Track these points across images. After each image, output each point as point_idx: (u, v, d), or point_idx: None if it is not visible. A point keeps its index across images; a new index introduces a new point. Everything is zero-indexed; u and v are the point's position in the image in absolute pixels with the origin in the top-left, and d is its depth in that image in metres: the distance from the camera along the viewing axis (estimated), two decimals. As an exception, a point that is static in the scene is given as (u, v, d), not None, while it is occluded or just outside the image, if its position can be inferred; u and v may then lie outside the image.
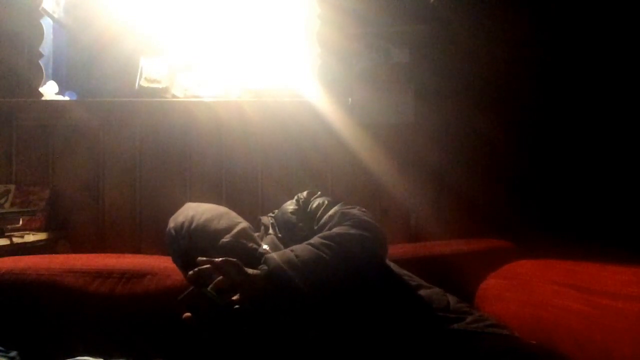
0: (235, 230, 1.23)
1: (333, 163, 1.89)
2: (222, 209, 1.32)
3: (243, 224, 1.29)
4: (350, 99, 1.88)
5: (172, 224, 1.25)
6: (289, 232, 1.29)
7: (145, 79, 1.98)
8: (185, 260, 1.21)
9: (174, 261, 1.26)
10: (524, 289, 1.30)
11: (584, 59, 1.93)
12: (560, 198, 1.90)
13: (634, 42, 1.90)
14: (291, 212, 1.33)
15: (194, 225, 1.21)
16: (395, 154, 1.89)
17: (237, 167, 1.87)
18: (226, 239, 1.20)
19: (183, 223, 1.22)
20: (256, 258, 1.18)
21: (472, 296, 1.45)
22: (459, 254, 1.55)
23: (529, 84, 1.93)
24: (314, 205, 1.33)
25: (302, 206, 1.34)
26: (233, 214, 1.32)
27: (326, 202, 1.32)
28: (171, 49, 2.11)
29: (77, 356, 1.06)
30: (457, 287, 1.41)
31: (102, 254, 1.60)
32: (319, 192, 1.39)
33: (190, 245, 1.19)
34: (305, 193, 1.38)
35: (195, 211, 1.26)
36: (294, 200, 1.37)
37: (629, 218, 1.84)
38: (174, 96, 1.98)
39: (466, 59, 1.92)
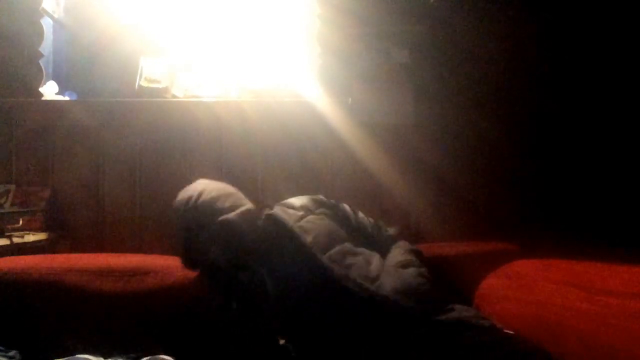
0: (239, 210, 1.29)
1: (333, 163, 1.89)
2: (231, 189, 1.38)
3: (248, 205, 1.34)
4: (350, 99, 1.88)
5: (180, 197, 1.32)
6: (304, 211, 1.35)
7: (145, 79, 1.98)
8: (186, 233, 1.28)
9: (177, 235, 1.32)
10: (525, 288, 1.30)
11: (584, 59, 1.93)
12: (561, 198, 1.90)
13: (634, 41, 1.90)
14: (310, 198, 1.40)
15: (200, 200, 1.28)
16: (395, 154, 1.89)
17: (237, 167, 1.87)
18: (228, 215, 1.26)
19: (190, 197, 1.29)
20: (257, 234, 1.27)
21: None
22: (462, 255, 1.55)
23: (529, 83, 1.93)
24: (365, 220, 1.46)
25: (326, 202, 1.42)
26: (241, 195, 1.38)
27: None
28: (171, 49, 2.11)
29: (78, 355, 1.06)
30: (461, 289, 1.42)
31: (103, 254, 1.60)
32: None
33: (193, 219, 1.26)
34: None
35: (205, 188, 1.32)
36: (306, 196, 1.43)
37: (631, 217, 1.84)
38: (174, 96, 1.98)
39: (466, 59, 1.92)
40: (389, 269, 1.26)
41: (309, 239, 1.23)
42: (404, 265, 1.28)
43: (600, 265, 1.26)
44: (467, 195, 1.90)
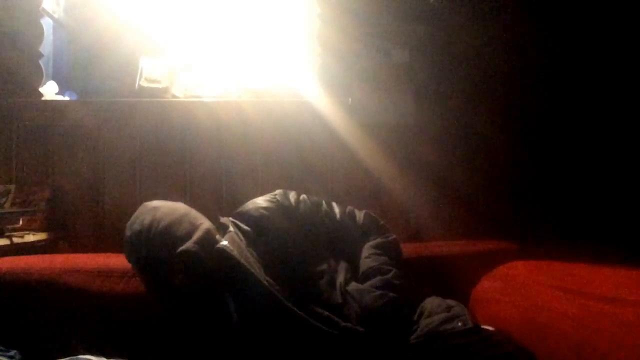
0: (196, 236, 1.21)
1: (333, 163, 1.89)
2: (181, 209, 1.27)
3: (205, 225, 1.26)
4: (350, 99, 1.88)
5: (128, 232, 1.22)
6: (261, 228, 1.29)
7: (145, 79, 1.98)
8: (142, 268, 1.21)
9: (133, 267, 1.25)
10: (518, 291, 1.30)
11: (584, 59, 1.93)
12: (561, 198, 1.90)
13: (635, 40, 1.90)
14: (264, 208, 1.33)
15: (152, 234, 1.17)
16: (395, 154, 1.89)
17: (237, 167, 1.87)
18: (186, 245, 1.18)
19: (140, 232, 1.18)
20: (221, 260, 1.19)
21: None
22: (461, 255, 1.55)
23: (529, 83, 1.93)
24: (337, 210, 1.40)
25: (285, 204, 1.35)
26: (193, 214, 1.28)
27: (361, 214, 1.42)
28: (171, 49, 2.11)
29: (78, 355, 1.06)
30: (459, 289, 1.42)
31: (103, 254, 1.60)
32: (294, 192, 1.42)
33: (149, 255, 1.17)
34: (279, 192, 1.40)
35: (153, 217, 1.21)
36: (265, 198, 1.37)
37: (630, 217, 1.84)
38: (174, 96, 1.98)
39: (466, 59, 1.92)
40: (353, 289, 1.22)
41: (264, 270, 1.18)
42: (370, 275, 1.25)
43: (593, 267, 1.26)
44: (467, 195, 1.90)
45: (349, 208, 1.44)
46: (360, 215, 1.43)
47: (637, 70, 1.90)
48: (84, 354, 1.06)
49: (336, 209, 1.42)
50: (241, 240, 1.27)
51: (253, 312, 1.16)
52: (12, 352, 1.15)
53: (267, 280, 1.17)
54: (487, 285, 1.43)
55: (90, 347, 1.10)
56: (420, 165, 1.90)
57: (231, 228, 1.30)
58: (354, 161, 1.87)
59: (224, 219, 1.36)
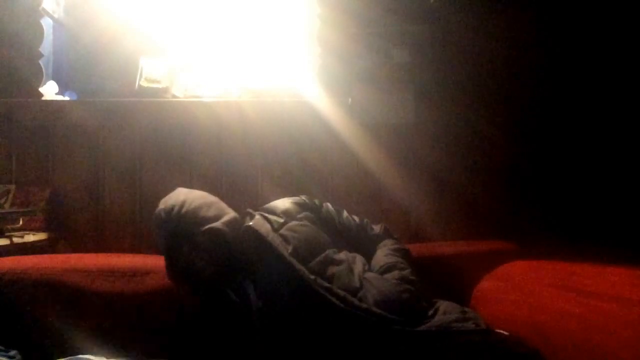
0: (224, 219, 1.29)
1: (333, 163, 1.89)
2: (212, 198, 1.37)
3: (233, 213, 1.34)
4: (350, 99, 1.88)
5: (162, 206, 1.29)
6: (287, 217, 1.34)
7: (145, 79, 1.98)
8: (169, 243, 1.26)
9: (158, 243, 1.30)
10: (519, 291, 1.30)
11: (584, 59, 1.93)
12: (561, 198, 1.90)
13: (634, 42, 1.90)
14: (290, 203, 1.39)
15: (184, 210, 1.26)
16: (395, 154, 1.89)
17: (237, 167, 1.87)
18: (214, 224, 1.26)
19: (173, 207, 1.26)
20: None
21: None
22: (461, 255, 1.55)
23: (529, 83, 1.93)
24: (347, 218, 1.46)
25: (309, 204, 1.43)
26: (223, 204, 1.37)
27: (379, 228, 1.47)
28: (171, 49, 2.11)
29: (78, 355, 1.06)
30: (459, 288, 1.42)
31: (103, 254, 1.60)
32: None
33: (177, 229, 1.24)
34: (303, 195, 1.46)
35: (187, 197, 1.30)
36: (291, 198, 1.43)
37: (629, 218, 1.84)
38: (174, 96, 1.99)
39: (466, 59, 1.92)
40: (372, 276, 1.25)
41: (289, 249, 1.22)
42: (387, 269, 1.28)
43: (594, 267, 1.26)
44: (466, 195, 1.90)
45: (366, 220, 1.51)
46: (377, 226, 1.50)
47: (638, 70, 1.90)
48: (84, 354, 1.06)
49: (356, 218, 1.49)
50: (269, 224, 1.31)
51: (276, 292, 1.19)
52: (12, 352, 1.16)
53: (291, 259, 1.21)
54: (488, 285, 1.43)
55: (90, 347, 1.10)
56: (420, 165, 1.90)
57: (257, 216, 1.35)
58: (354, 161, 1.87)
59: (250, 210, 1.41)
